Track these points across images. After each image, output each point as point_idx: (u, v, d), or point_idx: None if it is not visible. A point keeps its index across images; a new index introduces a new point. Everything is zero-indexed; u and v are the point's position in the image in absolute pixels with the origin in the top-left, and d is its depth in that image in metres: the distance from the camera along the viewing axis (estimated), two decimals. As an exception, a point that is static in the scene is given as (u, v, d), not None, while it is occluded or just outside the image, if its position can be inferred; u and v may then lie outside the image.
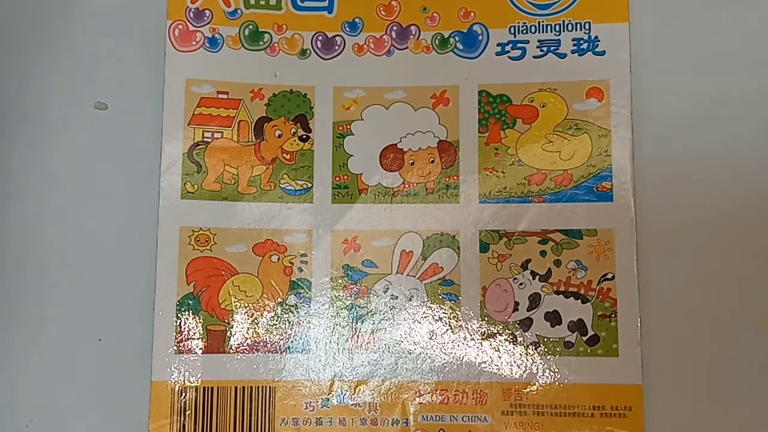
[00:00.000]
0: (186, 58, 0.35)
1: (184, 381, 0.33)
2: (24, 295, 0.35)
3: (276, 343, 0.34)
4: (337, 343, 0.34)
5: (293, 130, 0.35)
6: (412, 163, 0.34)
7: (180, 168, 0.34)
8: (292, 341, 0.34)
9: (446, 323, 0.34)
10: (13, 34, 0.37)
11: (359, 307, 0.34)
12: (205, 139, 0.34)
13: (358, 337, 0.34)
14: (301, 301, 0.34)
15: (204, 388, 0.33)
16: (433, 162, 0.34)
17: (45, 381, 0.35)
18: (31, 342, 0.35)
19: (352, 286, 0.34)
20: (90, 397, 0.35)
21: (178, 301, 0.34)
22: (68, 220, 0.35)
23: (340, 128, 0.35)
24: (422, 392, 0.33)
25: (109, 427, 0.35)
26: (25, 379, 0.35)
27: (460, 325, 0.34)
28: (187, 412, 0.33)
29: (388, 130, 0.35)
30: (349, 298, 0.34)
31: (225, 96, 0.34)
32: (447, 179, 0.34)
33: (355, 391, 0.34)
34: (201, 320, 0.34)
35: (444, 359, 0.34)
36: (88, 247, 0.35)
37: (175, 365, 0.33)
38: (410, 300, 0.34)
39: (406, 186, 0.34)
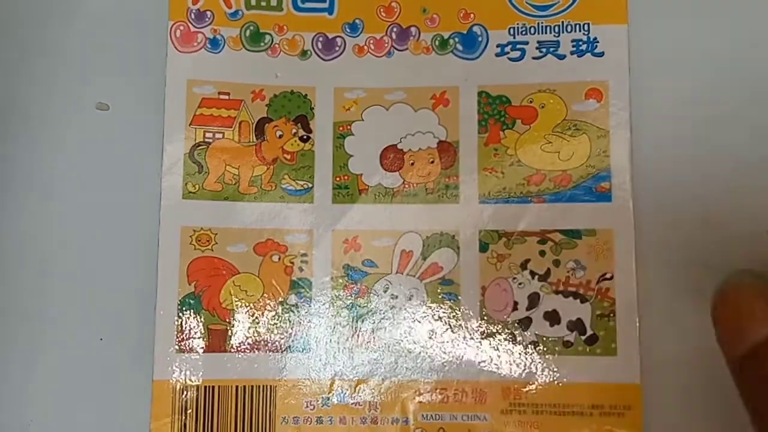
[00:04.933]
0: (187, 59, 0.35)
1: (185, 380, 0.33)
2: (24, 295, 0.35)
3: (277, 343, 0.34)
4: (338, 343, 0.34)
5: (294, 131, 0.35)
6: (412, 164, 0.35)
7: (181, 168, 0.34)
8: (292, 340, 0.34)
9: (446, 323, 0.34)
10: (13, 34, 0.37)
11: (359, 306, 0.34)
12: (206, 140, 0.34)
13: (358, 336, 0.34)
14: (302, 300, 0.34)
15: (205, 387, 0.33)
16: (432, 162, 0.35)
17: (46, 380, 0.35)
18: (31, 342, 0.35)
19: (352, 286, 0.34)
20: (91, 397, 0.35)
21: (179, 300, 0.34)
22: (69, 220, 0.36)
23: (341, 129, 0.35)
24: (422, 391, 0.34)
25: (109, 426, 0.35)
26: (27, 379, 0.35)
27: (460, 325, 0.34)
28: (188, 411, 0.33)
29: (388, 131, 0.35)
30: (349, 297, 0.34)
31: (226, 97, 0.35)
32: (447, 179, 0.34)
33: (355, 390, 0.34)
34: (202, 320, 0.34)
35: (443, 358, 0.34)
36: (89, 247, 0.35)
37: (177, 364, 0.33)
38: (410, 299, 0.34)
39: (406, 186, 0.35)
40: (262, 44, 0.35)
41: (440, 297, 0.34)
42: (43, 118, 0.36)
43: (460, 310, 0.34)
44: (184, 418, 0.33)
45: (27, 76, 0.36)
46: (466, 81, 0.35)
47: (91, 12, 0.36)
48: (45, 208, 0.36)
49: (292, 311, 0.34)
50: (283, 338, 0.34)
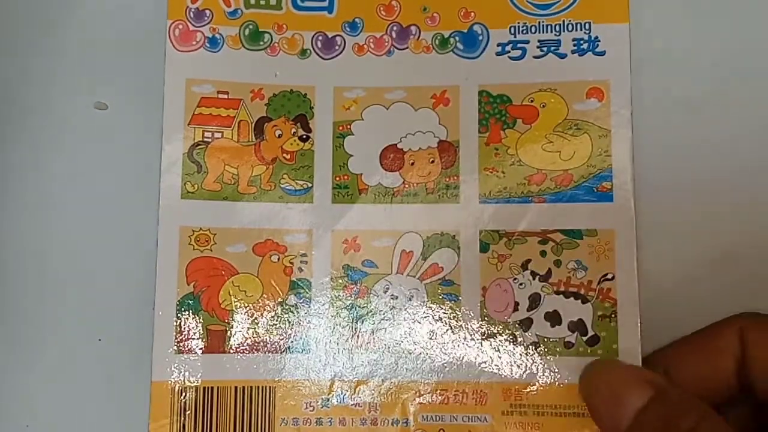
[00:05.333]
0: (186, 58, 0.34)
1: (184, 381, 0.33)
2: (23, 295, 0.35)
3: (276, 343, 0.34)
4: (337, 343, 0.34)
5: (293, 130, 0.34)
6: (412, 164, 0.34)
7: (180, 168, 0.34)
8: (292, 341, 0.34)
9: (446, 323, 0.34)
10: (12, 34, 0.37)
11: (359, 307, 0.34)
12: (205, 139, 0.34)
13: (358, 337, 0.34)
14: (301, 301, 0.34)
15: (204, 388, 0.33)
16: (433, 162, 0.34)
17: (45, 381, 0.35)
18: (30, 342, 0.35)
19: (352, 286, 0.34)
20: (90, 398, 0.35)
21: (178, 301, 0.33)
22: (68, 220, 0.36)
23: (340, 128, 0.35)
24: (422, 392, 0.33)
25: (109, 427, 0.35)
26: (24, 380, 0.35)
27: (460, 326, 0.34)
28: (187, 412, 0.33)
29: (388, 130, 0.35)
30: (349, 298, 0.34)
31: (225, 96, 0.34)
32: (447, 179, 0.34)
33: (355, 391, 0.33)
34: (201, 320, 0.34)
35: (444, 359, 0.33)
36: (88, 247, 0.35)
37: (175, 365, 0.33)
38: (410, 300, 0.34)
39: (406, 186, 0.34)
40: (262, 43, 0.35)
41: (440, 297, 0.34)
42: (41, 117, 0.36)
43: (460, 311, 0.34)
44: (183, 419, 0.33)
45: (25, 76, 0.36)
46: (467, 80, 0.35)
47: (89, 11, 0.36)
48: (43, 207, 0.36)
49: (292, 312, 0.34)
50: (282, 339, 0.34)
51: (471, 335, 0.34)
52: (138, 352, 0.34)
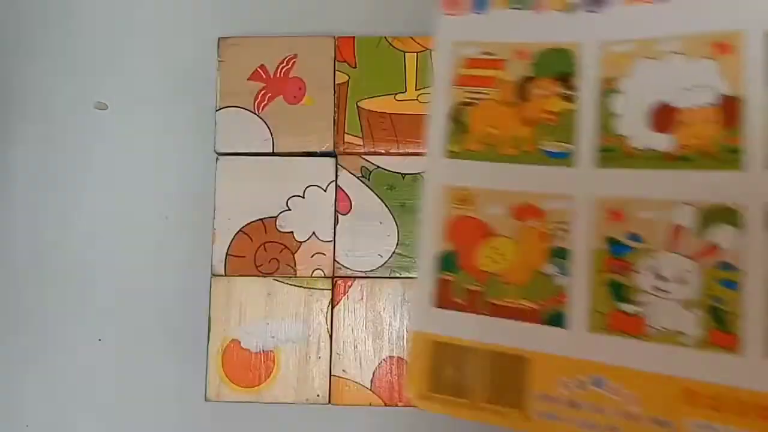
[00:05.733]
0: (455, 22, 0.35)
1: (440, 335, 0.33)
2: (23, 295, 0.38)
3: (532, 313, 0.32)
4: (597, 322, 0.31)
5: (557, 90, 0.33)
6: (688, 124, 0.29)
7: (445, 128, 0.34)
8: (548, 313, 0.32)
9: (726, 316, 0.28)
10: (12, 34, 0.39)
11: (622, 285, 0.30)
12: (469, 100, 0.34)
13: (620, 318, 0.30)
14: (560, 271, 0.32)
15: (458, 345, 0.33)
16: (712, 122, 0.29)
17: (44, 381, 0.37)
18: (30, 342, 0.38)
19: (614, 261, 0.31)
20: (90, 398, 0.37)
21: (437, 256, 0.34)
22: (67, 220, 0.38)
23: (607, 86, 0.31)
24: (695, 394, 0.28)
25: (109, 427, 0.37)
26: (25, 380, 0.37)
27: (744, 321, 0.28)
28: (441, 366, 0.33)
29: (660, 87, 0.30)
30: (610, 273, 0.31)
31: (490, 57, 0.34)
32: (729, 142, 0.29)
33: (615, 378, 0.30)
34: (458, 278, 0.33)
35: (725, 359, 0.28)
36: (87, 247, 0.38)
37: (432, 318, 0.33)
38: (681, 284, 0.29)
39: (680, 150, 0.30)
40: (528, 1, 0.34)
41: (718, 284, 0.28)
42: (42, 117, 0.38)
43: (744, 304, 0.28)
44: (438, 372, 0.33)
45: (25, 76, 0.38)
46: (753, 22, 0.28)
47: (90, 12, 0.38)
48: (44, 207, 0.38)
49: (549, 281, 0.32)
50: (538, 309, 0.32)
51: (758, 334, 0.27)
52: (138, 352, 0.36)
